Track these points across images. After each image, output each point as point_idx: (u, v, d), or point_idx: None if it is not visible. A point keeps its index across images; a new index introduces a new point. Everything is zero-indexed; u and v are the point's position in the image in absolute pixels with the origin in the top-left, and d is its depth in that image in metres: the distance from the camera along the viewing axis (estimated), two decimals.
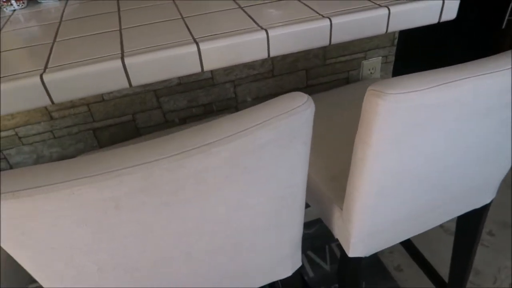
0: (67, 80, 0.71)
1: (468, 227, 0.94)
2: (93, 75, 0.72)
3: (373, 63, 1.21)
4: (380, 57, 1.21)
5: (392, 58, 1.22)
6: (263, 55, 0.82)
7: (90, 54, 0.75)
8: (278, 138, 0.47)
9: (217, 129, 0.43)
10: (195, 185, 0.44)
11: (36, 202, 0.38)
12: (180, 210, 0.47)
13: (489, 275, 1.33)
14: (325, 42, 0.86)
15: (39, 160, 1.02)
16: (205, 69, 0.79)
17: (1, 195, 0.37)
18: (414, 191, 0.68)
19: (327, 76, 1.19)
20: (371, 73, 1.22)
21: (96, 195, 0.40)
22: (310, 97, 0.48)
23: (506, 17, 1.74)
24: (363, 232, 0.71)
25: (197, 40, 0.77)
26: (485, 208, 0.89)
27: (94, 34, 0.84)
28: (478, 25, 1.75)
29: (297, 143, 0.50)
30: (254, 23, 0.83)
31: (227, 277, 0.66)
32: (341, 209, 0.75)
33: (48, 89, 0.71)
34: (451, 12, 0.93)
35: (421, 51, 1.74)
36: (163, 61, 0.75)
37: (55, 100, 0.72)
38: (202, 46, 0.76)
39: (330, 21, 0.83)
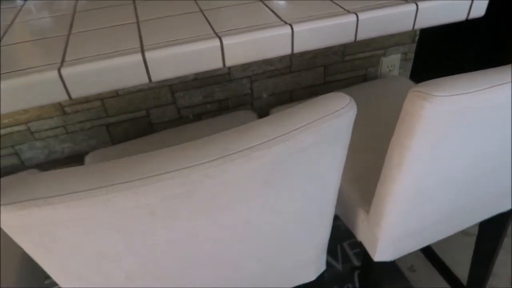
0: (86, 74, 0.68)
1: (492, 230, 0.92)
2: (112, 69, 0.69)
3: (392, 60, 1.17)
4: (400, 54, 1.17)
5: (411, 56, 1.19)
6: (287, 51, 0.79)
7: (108, 47, 0.72)
8: (320, 141, 0.44)
9: (259, 132, 0.40)
10: (233, 191, 0.42)
11: (69, 209, 0.35)
12: (215, 216, 0.44)
13: (504, 276, 1.31)
14: (350, 38, 0.83)
15: (50, 155, 0.99)
16: (226, 64, 0.76)
17: (33, 201, 0.34)
18: (446, 196, 0.65)
19: (345, 73, 1.15)
20: (389, 70, 1.19)
21: (132, 202, 0.37)
22: (352, 99, 0.46)
23: None
24: (391, 236, 0.69)
25: (219, 34, 0.74)
26: (511, 212, 0.87)
27: (110, 27, 0.81)
28: (499, 24, 1.72)
29: (336, 146, 0.47)
30: (277, 17, 0.80)
31: (251, 282, 0.64)
32: (366, 211, 0.73)
33: (66, 83, 0.68)
34: (479, 9, 0.90)
35: (439, 49, 1.70)
36: (185, 56, 0.72)
37: (73, 95, 0.69)
38: (225, 40, 0.73)
39: (357, 16, 0.80)
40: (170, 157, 0.38)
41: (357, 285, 1.32)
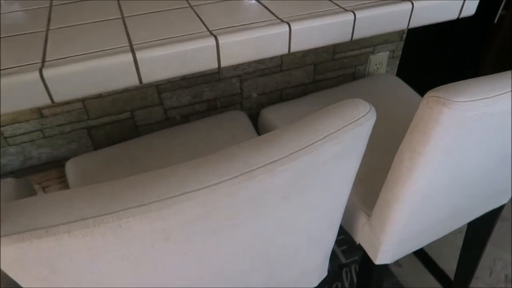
0: (71, 75, 0.62)
1: (482, 225, 0.94)
2: (101, 70, 0.63)
3: (380, 58, 1.17)
4: (388, 52, 1.17)
5: (399, 53, 1.19)
6: (284, 50, 0.76)
7: (93, 45, 0.67)
8: (341, 152, 0.42)
9: (281, 144, 0.37)
10: (252, 209, 0.38)
11: (75, 239, 0.31)
12: (229, 234, 0.41)
13: (485, 267, 1.36)
14: (346, 37, 0.81)
15: (26, 162, 0.91)
16: (222, 65, 0.73)
17: (33, 232, 0.30)
18: (450, 197, 0.65)
19: (334, 71, 1.14)
20: (377, 68, 1.19)
21: (146, 227, 0.33)
22: (372, 106, 0.43)
23: (499, 12, 1.75)
24: (395, 240, 0.68)
25: (214, 32, 0.70)
26: (501, 207, 0.88)
27: (93, 22, 0.75)
28: (473, 21, 1.76)
29: (354, 156, 0.45)
30: (272, 15, 0.77)
31: None
32: (367, 215, 0.72)
33: (49, 86, 0.62)
34: (470, 8, 0.91)
35: (420, 47, 1.72)
36: (179, 56, 0.67)
37: (56, 98, 0.63)
38: (221, 39, 0.69)
39: (354, 14, 0.78)
40: (187, 175, 0.34)
41: (345, 283, 1.32)
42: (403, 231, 0.66)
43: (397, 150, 0.55)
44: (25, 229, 0.30)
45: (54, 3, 0.84)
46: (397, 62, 1.21)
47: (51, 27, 0.74)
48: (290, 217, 0.45)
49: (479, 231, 0.96)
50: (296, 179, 0.39)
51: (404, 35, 1.15)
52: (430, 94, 0.47)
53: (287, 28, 0.73)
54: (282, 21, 0.74)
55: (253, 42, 0.72)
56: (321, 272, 0.69)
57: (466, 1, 0.88)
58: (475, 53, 1.85)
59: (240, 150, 0.36)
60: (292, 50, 0.77)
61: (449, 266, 1.29)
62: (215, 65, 0.72)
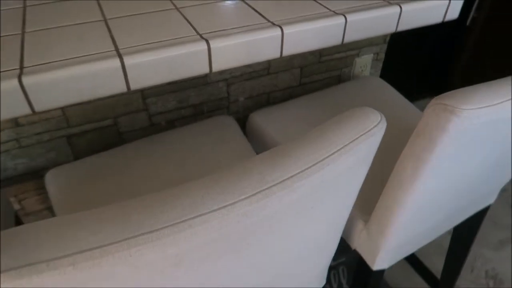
0: (53, 83, 0.58)
1: (468, 226, 0.95)
2: (86, 77, 0.59)
3: (365, 60, 1.17)
4: (372, 54, 1.18)
5: (382, 56, 1.20)
6: (276, 54, 0.74)
7: (76, 50, 0.62)
8: (354, 163, 0.40)
9: (296, 158, 0.35)
10: (267, 227, 0.36)
11: (79, 271, 0.28)
12: (242, 254, 0.38)
13: (467, 264, 1.39)
14: (337, 41, 0.80)
15: (1, 173, 0.85)
16: (213, 70, 0.70)
17: (33, 266, 0.26)
18: (448, 201, 0.65)
19: (321, 74, 1.13)
20: (362, 70, 1.19)
21: (158, 255, 0.30)
22: (382, 115, 0.42)
23: (471, 15, 1.80)
24: (393, 245, 0.68)
25: (204, 36, 0.67)
26: (487, 208, 0.90)
27: (73, 25, 0.70)
28: (448, 24, 1.80)
29: (364, 166, 0.44)
30: (263, 18, 0.75)
31: None
32: (364, 221, 0.71)
33: (29, 94, 0.57)
34: (454, 12, 0.92)
35: (401, 50, 1.75)
36: (169, 61, 0.64)
37: (37, 108, 0.59)
38: (213, 44, 0.66)
39: (345, 18, 0.77)
40: (201, 195, 0.31)
41: (333, 285, 1.32)
42: (402, 236, 0.66)
43: (388, 154, 0.55)
44: (23, 263, 0.26)
45: (28, 3, 0.78)
46: (381, 64, 1.22)
47: (27, 30, 0.68)
48: (299, 230, 0.43)
49: (465, 232, 0.98)
50: (311, 193, 0.37)
51: (388, 38, 1.16)
52: (436, 101, 0.46)
53: (279, 32, 0.72)
54: (274, 24, 0.72)
55: (245, 46, 0.70)
56: (320, 281, 0.68)
57: (450, 6, 0.90)
58: (449, 55, 1.91)
59: (254, 166, 0.34)
60: (284, 54, 0.75)
61: (435, 265, 1.32)
62: (207, 70, 0.69)
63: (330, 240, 0.54)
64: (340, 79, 1.19)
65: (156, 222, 0.29)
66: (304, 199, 0.37)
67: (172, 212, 0.30)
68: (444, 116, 0.45)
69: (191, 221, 0.30)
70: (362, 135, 0.39)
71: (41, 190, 0.93)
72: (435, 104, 0.46)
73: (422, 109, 1.07)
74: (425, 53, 1.81)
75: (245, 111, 1.07)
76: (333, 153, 0.37)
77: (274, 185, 0.33)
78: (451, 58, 1.91)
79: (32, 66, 0.59)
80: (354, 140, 0.38)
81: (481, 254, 1.42)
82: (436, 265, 1.32)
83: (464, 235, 0.99)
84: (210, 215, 0.31)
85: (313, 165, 0.35)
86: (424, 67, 1.87)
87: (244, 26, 0.71)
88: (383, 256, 0.70)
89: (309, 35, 0.75)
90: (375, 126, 0.40)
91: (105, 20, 0.72)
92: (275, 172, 0.34)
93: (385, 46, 1.18)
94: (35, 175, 0.89)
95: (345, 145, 0.38)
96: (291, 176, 0.34)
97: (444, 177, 0.54)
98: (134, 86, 0.64)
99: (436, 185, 0.55)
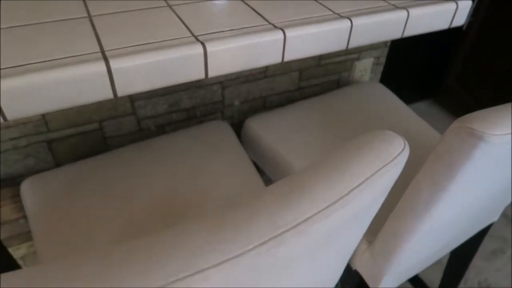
0: (29, 89, 0.51)
1: (469, 243, 0.92)
2: (66, 82, 0.53)
3: (365, 64, 1.13)
4: (372, 58, 1.13)
5: (383, 60, 1.15)
6: (277, 59, 0.69)
7: (57, 51, 0.56)
8: (375, 198, 0.35)
9: (312, 196, 0.30)
10: (277, 274, 0.31)
11: None
12: None
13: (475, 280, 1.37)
14: (342, 46, 0.75)
15: None
16: (209, 75, 0.64)
17: None
18: (457, 224, 0.61)
19: (319, 78, 1.08)
20: (362, 75, 1.15)
21: None
22: (406, 141, 0.37)
23: (467, 18, 1.77)
24: (399, 269, 0.63)
25: (200, 39, 0.61)
26: (490, 225, 0.87)
27: (53, 22, 0.63)
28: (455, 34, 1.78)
29: (383, 197, 0.39)
30: (263, 19, 0.69)
31: None
32: (369, 242, 0.67)
33: (1, 101, 0.50)
34: (461, 19, 0.88)
35: (399, 54, 1.72)
36: (161, 66, 0.58)
37: (10, 116, 0.52)
38: (210, 47, 0.60)
39: (351, 21, 0.72)
40: (200, 245, 0.26)
41: None
42: (409, 261, 0.62)
43: None
44: None
45: None
46: (381, 69, 1.18)
47: (1, 26, 0.61)
48: (311, 270, 0.38)
49: (466, 249, 0.94)
50: (328, 235, 0.32)
51: (389, 42, 1.12)
52: (460, 124, 0.42)
53: (281, 35, 0.66)
54: (275, 27, 0.67)
55: (244, 50, 0.64)
56: None
57: (457, 12, 0.85)
58: (445, 58, 1.88)
59: (265, 206, 0.28)
60: (286, 59, 0.69)
61: (434, 278, 1.29)
62: (202, 76, 0.63)
63: (339, 269, 0.49)
64: (339, 84, 1.14)
65: (146, 281, 0.24)
66: (319, 242, 0.32)
67: (166, 269, 0.24)
68: (470, 142, 0.40)
69: (188, 279, 0.25)
70: (385, 165, 0.34)
71: (18, 198, 0.86)
72: (459, 127, 0.42)
73: (418, 112, 1.03)
74: (421, 56, 1.78)
75: (240, 116, 1.02)
76: (353, 189, 0.31)
77: (287, 231, 0.28)
78: (446, 62, 1.88)
79: (5, 68, 0.52)
80: (378, 171, 0.33)
81: (474, 265, 1.40)
82: (433, 279, 1.29)
83: (464, 252, 0.96)
84: (211, 271, 0.25)
85: (332, 204, 0.30)
86: (420, 70, 1.84)
87: (243, 28, 0.66)
88: (386, 280, 0.65)
89: (312, 39, 0.69)
90: (399, 154, 0.35)
91: (90, 17, 0.65)
92: (289, 214, 0.28)
93: (386, 50, 1.13)
94: (12, 182, 0.82)
95: (368, 178, 0.32)
96: (307, 219, 0.29)
97: (460, 202, 0.50)
98: (121, 93, 0.58)
99: (451, 211, 0.51)
